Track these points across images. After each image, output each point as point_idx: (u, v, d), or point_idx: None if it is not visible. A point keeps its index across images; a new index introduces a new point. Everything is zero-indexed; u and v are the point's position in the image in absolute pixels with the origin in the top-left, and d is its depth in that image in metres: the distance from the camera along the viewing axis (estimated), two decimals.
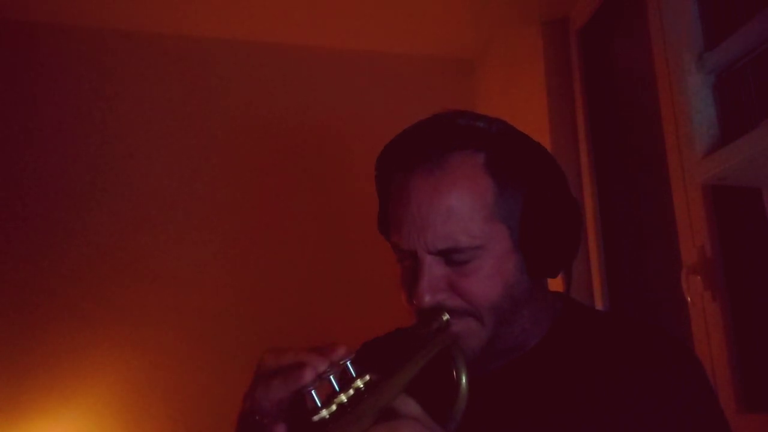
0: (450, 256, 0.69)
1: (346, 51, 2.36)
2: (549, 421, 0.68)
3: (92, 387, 1.90)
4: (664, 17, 1.45)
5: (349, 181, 2.20)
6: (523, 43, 2.09)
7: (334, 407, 0.53)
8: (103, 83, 2.17)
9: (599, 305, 1.75)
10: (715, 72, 1.30)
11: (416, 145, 0.72)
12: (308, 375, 0.53)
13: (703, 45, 1.33)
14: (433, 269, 0.69)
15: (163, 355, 1.96)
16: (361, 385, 0.55)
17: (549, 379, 0.72)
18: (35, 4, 2.06)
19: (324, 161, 2.25)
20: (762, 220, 1.19)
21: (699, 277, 1.30)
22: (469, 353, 0.69)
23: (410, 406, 0.56)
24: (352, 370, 0.56)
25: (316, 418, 0.52)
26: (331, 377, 0.54)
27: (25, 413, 1.84)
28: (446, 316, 0.69)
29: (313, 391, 0.53)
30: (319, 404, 0.52)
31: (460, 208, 0.68)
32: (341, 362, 0.56)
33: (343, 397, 0.53)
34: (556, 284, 0.83)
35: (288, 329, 2.02)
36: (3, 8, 2.06)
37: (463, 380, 0.63)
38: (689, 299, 1.32)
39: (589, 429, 0.66)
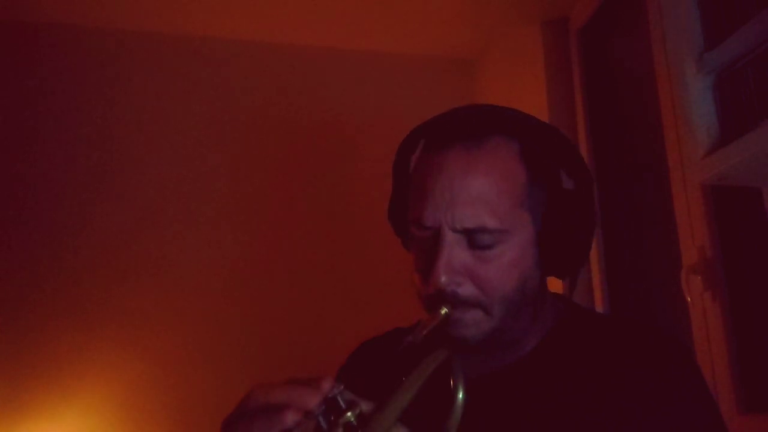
0: (474, 237, 0.67)
1: (346, 51, 2.36)
2: (548, 425, 0.68)
3: (92, 387, 1.90)
4: (664, 17, 1.45)
5: (350, 181, 2.21)
6: (523, 43, 2.09)
7: None
8: (105, 83, 2.17)
9: (599, 305, 1.75)
10: (715, 72, 1.30)
11: (457, 122, 0.72)
12: (290, 418, 0.50)
13: (703, 45, 1.33)
14: (455, 249, 0.67)
15: (163, 355, 1.96)
16: (353, 420, 0.51)
17: (547, 382, 0.71)
18: (35, 4, 2.06)
19: (324, 161, 2.25)
20: (762, 220, 1.19)
21: (699, 277, 1.30)
22: (470, 339, 0.69)
23: None
24: (341, 402, 0.53)
25: None
26: (319, 417, 0.51)
27: (25, 413, 1.84)
28: (444, 311, 0.67)
29: None
30: None
31: (493, 189, 0.67)
32: (330, 395, 0.53)
33: None
34: (557, 286, 0.83)
35: (289, 330, 2.02)
36: (3, 8, 2.06)
37: (460, 393, 0.60)
38: (689, 299, 1.32)
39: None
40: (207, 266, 2.08)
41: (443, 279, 0.66)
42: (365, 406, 0.53)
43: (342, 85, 2.34)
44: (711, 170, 1.18)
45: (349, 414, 0.52)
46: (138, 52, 2.22)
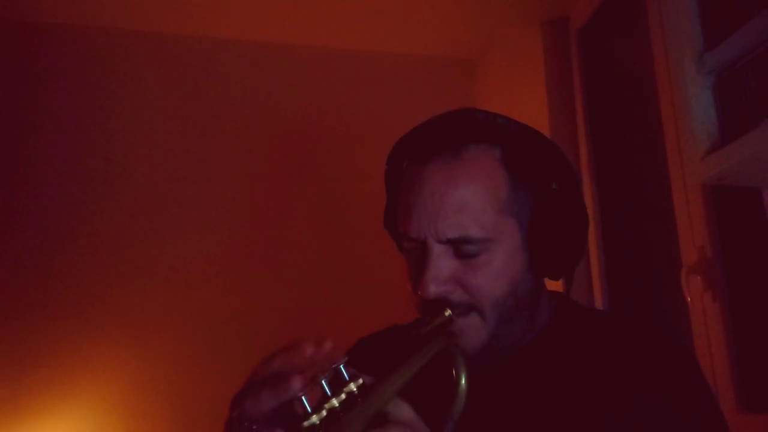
0: (459, 246, 0.68)
1: (346, 51, 2.36)
2: (542, 422, 0.68)
3: (92, 387, 1.90)
4: (664, 17, 1.45)
5: (349, 181, 2.20)
6: (523, 43, 2.09)
7: (324, 413, 0.52)
8: (104, 83, 2.17)
9: (599, 305, 1.75)
10: (715, 72, 1.30)
11: (435, 134, 0.72)
12: (296, 385, 0.52)
13: (703, 45, 1.33)
14: (441, 260, 0.69)
15: (163, 355, 1.96)
16: (355, 389, 0.54)
17: (543, 379, 0.72)
18: (35, 4, 2.06)
19: (324, 161, 2.25)
20: (762, 220, 1.19)
21: (699, 277, 1.29)
22: (470, 350, 0.69)
23: (403, 410, 0.55)
24: (345, 373, 0.55)
25: (306, 424, 0.51)
26: (323, 381, 0.53)
27: (25, 413, 1.84)
28: (448, 312, 0.68)
29: (303, 397, 0.52)
30: (309, 410, 0.52)
31: (474, 199, 0.68)
32: (334, 366, 0.55)
33: (335, 402, 0.53)
34: (556, 286, 0.83)
35: (288, 328, 2.02)
36: (3, 8, 2.06)
37: (463, 381, 0.62)
38: (689, 299, 1.32)
39: (582, 430, 0.66)
40: (206, 266, 2.08)
41: (432, 289, 0.68)
42: (367, 380, 0.56)
43: (342, 85, 2.34)
44: (711, 170, 1.18)
45: (351, 384, 0.54)
46: (138, 52, 2.22)
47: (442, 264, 0.68)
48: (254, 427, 0.54)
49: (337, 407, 0.52)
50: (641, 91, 1.61)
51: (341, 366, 0.55)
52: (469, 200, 0.67)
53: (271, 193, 2.19)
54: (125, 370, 1.93)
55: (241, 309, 2.04)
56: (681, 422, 0.65)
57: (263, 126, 2.24)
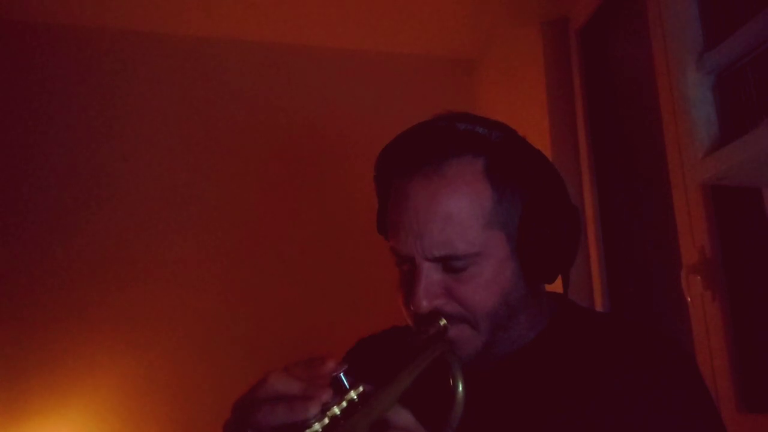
0: (447, 263, 0.68)
1: (346, 51, 2.36)
2: (541, 423, 0.68)
3: (92, 387, 1.90)
4: (664, 17, 1.45)
5: (349, 182, 2.20)
6: (523, 43, 2.09)
7: (326, 420, 0.53)
8: (104, 83, 2.17)
9: (599, 305, 1.75)
10: (715, 72, 1.30)
11: (415, 150, 0.71)
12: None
13: (703, 45, 1.33)
14: (431, 275, 0.69)
15: (163, 355, 1.96)
16: (355, 397, 0.55)
17: (541, 380, 0.72)
18: (35, 4, 2.06)
19: (324, 162, 2.25)
20: (762, 220, 1.19)
21: (699, 277, 1.29)
22: (464, 359, 0.69)
23: (403, 417, 0.56)
24: (345, 381, 0.56)
25: (308, 431, 0.52)
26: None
27: (25, 413, 1.84)
28: (443, 321, 0.69)
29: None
30: (311, 417, 0.53)
31: (458, 215, 0.67)
32: (334, 374, 0.56)
33: (336, 410, 0.53)
34: (554, 285, 0.83)
35: (285, 328, 2.02)
36: (3, 8, 2.06)
37: (460, 388, 0.63)
38: (689, 299, 1.32)
39: (580, 430, 0.66)
40: (204, 266, 2.08)
41: (424, 304, 0.68)
42: (367, 387, 0.56)
43: (342, 85, 2.34)
44: (711, 170, 1.18)
45: (352, 392, 0.55)
46: (138, 52, 2.22)
47: (432, 279, 0.69)
48: None
49: (338, 414, 0.53)
50: (641, 91, 1.61)
51: (341, 374, 0.56)
52: (453, 217, 0.67)
53: (270, 193, 2.19)
54: (125, 371, 1.93)
55: (241, 310, 2.04)
56: (678, 424, 0.65)
57: (263, 126, 2.24)
